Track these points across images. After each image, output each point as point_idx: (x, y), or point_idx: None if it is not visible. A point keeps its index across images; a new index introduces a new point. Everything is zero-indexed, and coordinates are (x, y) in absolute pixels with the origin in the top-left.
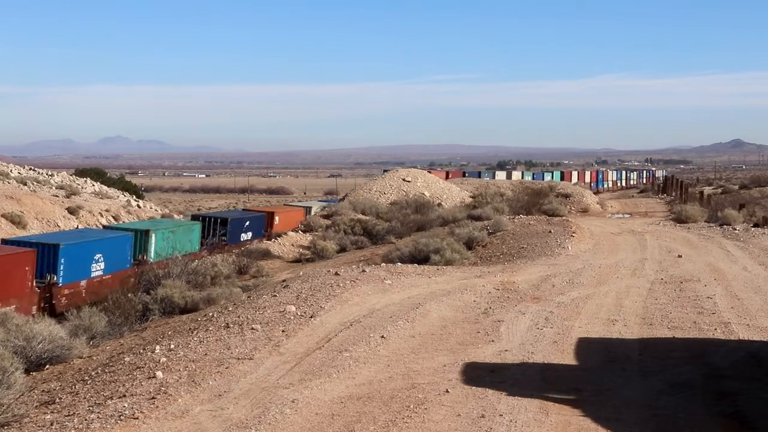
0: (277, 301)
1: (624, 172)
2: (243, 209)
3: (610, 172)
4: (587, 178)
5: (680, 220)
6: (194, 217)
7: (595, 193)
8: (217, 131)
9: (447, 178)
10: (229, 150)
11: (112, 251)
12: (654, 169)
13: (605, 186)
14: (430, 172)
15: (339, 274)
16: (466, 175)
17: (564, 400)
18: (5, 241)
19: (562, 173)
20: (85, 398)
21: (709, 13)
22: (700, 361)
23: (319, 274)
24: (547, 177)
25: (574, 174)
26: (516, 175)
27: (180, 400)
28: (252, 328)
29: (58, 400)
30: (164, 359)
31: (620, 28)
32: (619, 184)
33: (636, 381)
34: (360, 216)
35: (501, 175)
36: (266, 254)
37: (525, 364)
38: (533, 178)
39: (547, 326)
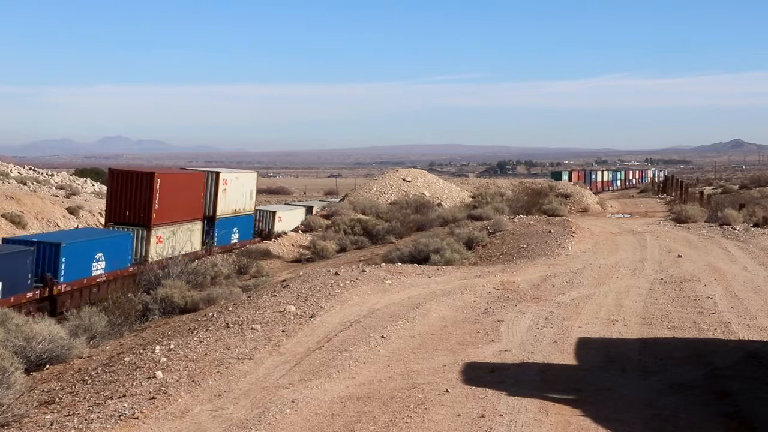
0: (277, 301)
1: (653, 171)
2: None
3: (649, 171)
4: (637, 176)
5: (680, 220)
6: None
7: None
8: (217, 131)
9: (573, 179)
10: (229, 150)
11: None
12: (667, 168)
13: (644, 181)
14: (574, 179)
15: (339, 274)
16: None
17: (564, 400)
18: None
19: (624, 171)
20: (85, 398)
21: (709, 13)
22: (700, 361)
23: (319, 274)
24: (618, 174)
25: (631, 173)
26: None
27: (180, 400)
28: (252, 328)
29: (58, 400)
30: (164, 359)
31: (620, 28)
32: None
33: (636, 381)
34: (360, 216)
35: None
36: (266, 254)
37: (525, 364)
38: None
39: (547, 326)
